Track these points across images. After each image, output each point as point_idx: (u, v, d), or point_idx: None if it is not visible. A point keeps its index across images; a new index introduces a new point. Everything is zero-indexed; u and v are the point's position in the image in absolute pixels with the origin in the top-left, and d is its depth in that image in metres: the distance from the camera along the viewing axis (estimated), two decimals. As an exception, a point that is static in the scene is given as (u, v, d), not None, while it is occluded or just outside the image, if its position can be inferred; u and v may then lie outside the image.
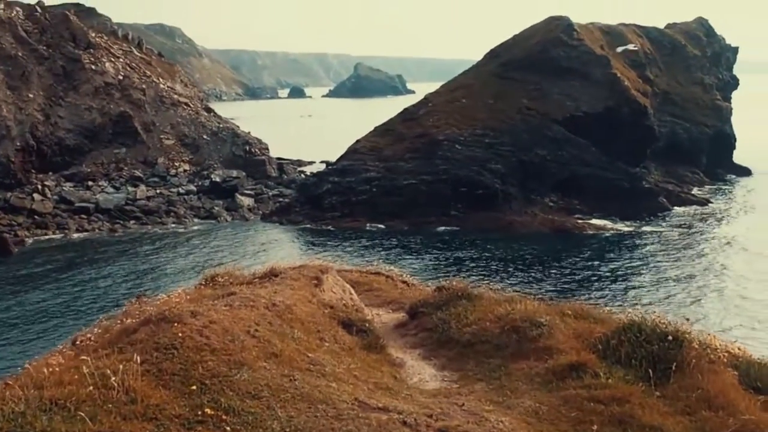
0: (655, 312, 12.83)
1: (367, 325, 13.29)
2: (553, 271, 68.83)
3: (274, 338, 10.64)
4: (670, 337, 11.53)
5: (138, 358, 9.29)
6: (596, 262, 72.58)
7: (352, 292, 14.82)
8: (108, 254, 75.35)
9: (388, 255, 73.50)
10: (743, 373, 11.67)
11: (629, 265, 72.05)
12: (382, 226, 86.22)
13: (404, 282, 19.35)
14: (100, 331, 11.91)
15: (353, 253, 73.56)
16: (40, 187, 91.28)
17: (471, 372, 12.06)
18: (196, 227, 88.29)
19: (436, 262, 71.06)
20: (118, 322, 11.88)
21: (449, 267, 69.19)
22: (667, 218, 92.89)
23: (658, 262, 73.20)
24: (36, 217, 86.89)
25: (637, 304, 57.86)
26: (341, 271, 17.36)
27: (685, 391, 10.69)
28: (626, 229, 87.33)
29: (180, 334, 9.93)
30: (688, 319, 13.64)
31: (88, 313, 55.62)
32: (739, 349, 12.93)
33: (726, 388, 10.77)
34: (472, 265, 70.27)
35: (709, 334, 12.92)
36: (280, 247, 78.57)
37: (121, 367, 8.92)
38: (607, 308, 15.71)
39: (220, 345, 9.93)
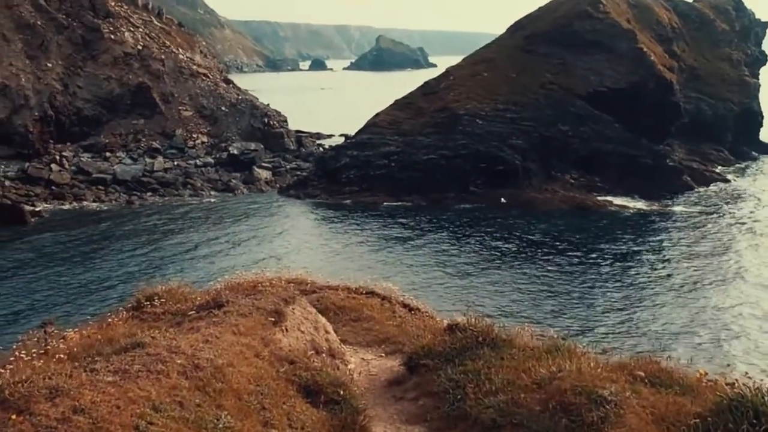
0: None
1: (341, 392, 9.31)
2: (574, 250, 64.96)
3: (181, 434, 6.92)
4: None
5: None
6: (617, 242, 68.68)
7: (329, 328, 11.12)
8: (124, 226, 72.43)
9: (403, 232, 69.97)
10: None
11: (652, 245, 68.16)
12: (399, 202, 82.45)
13: (405, 306, 15.14)
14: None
15: (368, 231, 70.13)
16: (58, 157, 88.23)
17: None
18: (212, 200, 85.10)
19: (453, 241, 67.34)
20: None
21: (466, 246, 65.50)
22: (690, 197, 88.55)
23: (682, 242, 69.13)
24: (53, 187, 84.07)
25: (665, 288, 54.28)
26: (324, 288, 13.76)
27: None
28: (648, 207, 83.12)
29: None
30: None
31: (100, 286, 53.11)
32: None
33: None
34: (491, 244, 66.52)
35: None
36: (295, 222, 75.13)
37: None
38: (689, 363, 10.95)
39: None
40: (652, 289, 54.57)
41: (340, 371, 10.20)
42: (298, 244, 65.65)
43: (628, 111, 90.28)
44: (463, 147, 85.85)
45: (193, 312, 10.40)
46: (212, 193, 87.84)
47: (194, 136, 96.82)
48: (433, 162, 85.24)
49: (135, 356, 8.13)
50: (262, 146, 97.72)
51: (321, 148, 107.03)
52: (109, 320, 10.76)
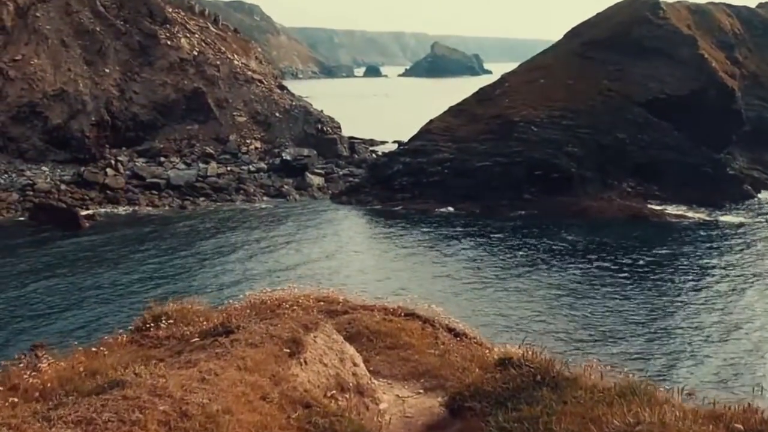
0: None
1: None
2: (631, 261, 62.47)
3: None
4: None
5: None
6: (676, 253, 66.02)
7: (357, 360, 9.44)
8: (176, 231, 71.88)
9: (455, 239, 68.13)
10: None
11: (712, 257, 65.26)
12: (452, 209, 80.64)
13: (450, 330, 13.10)
14: None
15: (419, 239, 68.35)
16: (113, 162, 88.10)
17: None
18: (265, 206, 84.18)
19: (506, 252, 65.26)
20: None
21: (519, 257, 63.34)
22: (752, 206, 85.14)
23: (746, 255, 66.04)
24: (108, 191, 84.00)
25: (733, 307, 51.47)
26: (357, 309, 12.13)
27: None
28: (708, 217, 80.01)
29: None
30: None
31: (151, 291, 52.01)
32: None
33: None
34: (544, 256, 64.26)
35: None
36: (345, 230, 73.73)
37: None
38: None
39: None
40: (719, 308, 51.02)
41: (369, 413, 8.55)
42: (347, 254, 64.18)
43: (688, 118, 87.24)
44: (518, 154, 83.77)
45: (197, 339, 8.92)
46: (264, 198, 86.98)
47: (248, 141, 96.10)
48: (487, 169, 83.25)
49: (108, 400, 6.59)
50: (315, 152, 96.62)
51: (374, 155, 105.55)
52: (104, 345, 9.35)
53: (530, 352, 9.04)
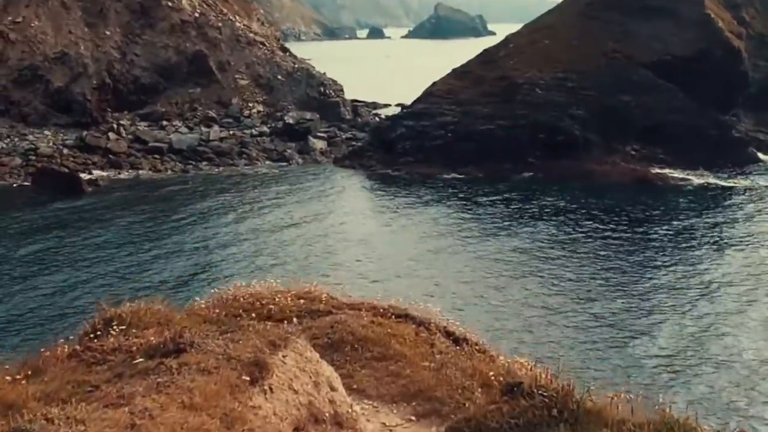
0: None
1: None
2: (635, 225, 60.86)
3: None
4: None
5: None
6: (680, 216, 64.40)
7: (335, 382, 7.86)
8: (179, 195, 70.66)
9: (458, 205, 66.56)
10: None
11: (716, 220, 63.56)
12: (456, 174, 78.90)
13: (449, 335, 11.34)
14: None
15: (422, 205, 66.76)
16: (115, 126, 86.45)
17: None
18: (267, 170, 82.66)
19: (510, 216, 63.62)
20: None
21: (524, 220, 61.72)
22: (756, 170, 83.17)
23: (748, 218, 64.34)
24: (111, 156, 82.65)
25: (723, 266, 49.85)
26: (342, 308, 10.63)
27: None
28: (712, 180, 78.23)
29: None
30: None
31: (155, 257, 51.23)
32: None
33: None
34: (550, 218, 62.67)
35: None
36: (347, 195, 72.18)
37: None
38: None
39: None
40: (734, 287, 47.45)
41: (348, 450, 7.14)
42: (347, 220, 62.43)
43: (694, 80, 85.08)
44: (522, 117, 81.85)
45: (141, 360, 7.48)
46: (267, 162, 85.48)
47: (250, 105, 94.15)
48: (490, 132, 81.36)
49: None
50: (317, 116, 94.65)
51: (377, 118, 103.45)
52: (43, 360, 7.98)
53: (543, 375, 7.42)
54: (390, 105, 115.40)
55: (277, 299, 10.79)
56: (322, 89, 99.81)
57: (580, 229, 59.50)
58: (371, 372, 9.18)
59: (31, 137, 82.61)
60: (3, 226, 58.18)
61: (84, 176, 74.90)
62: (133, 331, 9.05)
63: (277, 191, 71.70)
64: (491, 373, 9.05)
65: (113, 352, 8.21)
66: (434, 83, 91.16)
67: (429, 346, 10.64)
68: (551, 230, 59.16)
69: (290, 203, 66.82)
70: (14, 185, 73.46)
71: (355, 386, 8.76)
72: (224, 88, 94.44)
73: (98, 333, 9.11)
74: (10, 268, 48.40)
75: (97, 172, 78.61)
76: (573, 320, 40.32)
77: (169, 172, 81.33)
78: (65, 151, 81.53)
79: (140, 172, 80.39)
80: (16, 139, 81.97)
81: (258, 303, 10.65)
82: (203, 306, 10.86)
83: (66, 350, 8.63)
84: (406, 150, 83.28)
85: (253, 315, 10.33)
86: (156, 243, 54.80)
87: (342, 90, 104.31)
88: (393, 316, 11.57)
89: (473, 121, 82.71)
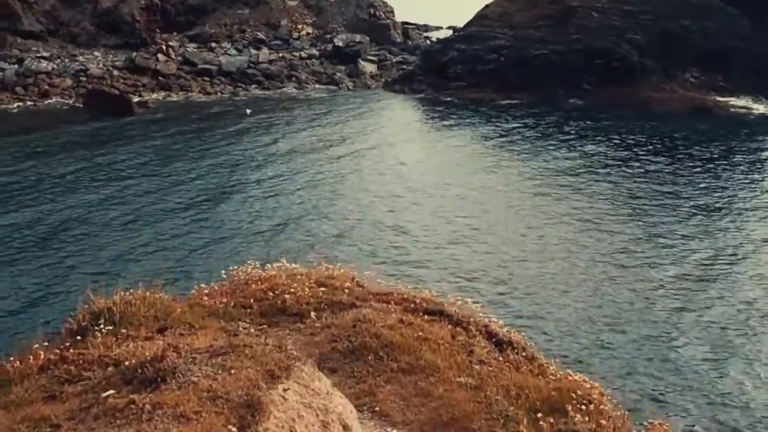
0: None
1: None
2: (693, 156, 57.98)
3: None
4: None
5: None
6: (741, 148, 61.22)
7: (349, 419, 6.16)
8: (228, 118, 69.07)
9: (509, 133, 64.17)
10: None
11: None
12: (508, 99, 76.29)
13: (491, 337, 9.36)
14: None
15: (473, 132, 64.42)
16: (164, 47, 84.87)
17: None
18: (316, 94, 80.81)
19: (560, 142, 61.04)
20: None
21: (578, 151, 59.11)
22: (822, 99, 79.02)
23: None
24: (160, 78, 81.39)
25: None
26: (368, 299, 9.10)
27: None
28: (776, 110, 74.57)
29: None
30: None
31: (205, 177, 49.65)
32: None
33: None
34: (605, 148, 59.95)
35: None
36: (398, 119, 70.13)
37: None
38: None
39: None
40: None
41: None
42: (393, 146, 60.03)
43: (757, 4, 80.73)
44: (577, 42, 78.53)
45: (112, 392, 6.12)
46: (316, 86, 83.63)
47: (299, 27, 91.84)
48: (544, 57, 78.30)
49: None
50: (367, 38, 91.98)
51: (428, 41, 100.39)
52: (13, 368, 6.73)
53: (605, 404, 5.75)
54: (441, 28, 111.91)
55: (293, 287, 9.36)
56: (372, 11, 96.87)
57: (635, 163, 56.53)
58: (397, 389, 7.56)
59: (81, 58, 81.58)
60: (53, 144, 57.44)
61: (134, 99, 74.07)
62: (123, 331, 7.78)
63: (326, 116, 69.90)
64: (539, 398, 7.53)
65: (91, 366, 6.93)
66: (487, 5, 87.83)
67: (467, 354, 8.79)
68: (604, 162, 56.12)
69: (338, 128, 64.92)
70: (65, 106, 72.87)
71: (377, 408, 7.23)
72: (273, 9, 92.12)
73: (85, 329, 7.83)
74: (50, 186, 47.49)
75: (147, 94, 77.79)
76: (642, 295, 31.28)
77: (219, 94, 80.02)
78: (115, 72, 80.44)
79: (190, 94, 79.27)
80: (66, 60, 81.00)
81: (272, 292, 9.25)
82: (209, 293, 9.48)
83: (42, 357, 7.38)
84: (457, 74, 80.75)
85: (266, 306, 8.98)
86: (196, 165, 53.52)
87: (392, 12, 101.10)
88: (425, 314, 9.71)
89: (526, 45, 79.65)
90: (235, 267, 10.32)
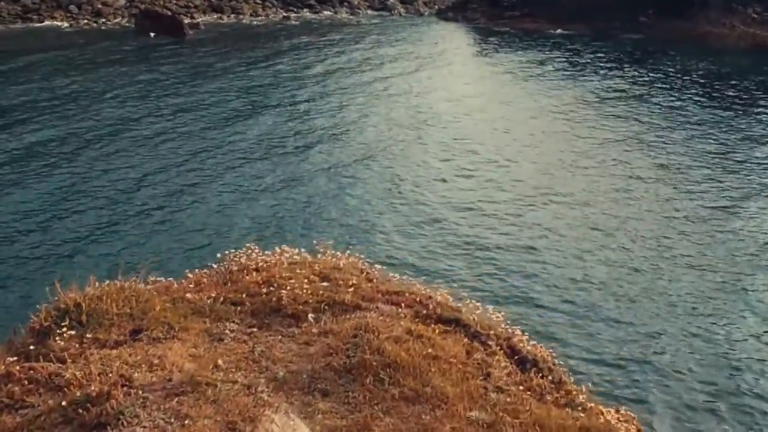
0: None
1: None
2: (754, 95, 54.93)
3: None
4: None
5: None
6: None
7: None
8: (281, 42, 67.66)
9: (561, 64, 61.68)
10: None
11: None
12: (562, 30, 73.47)
13: (513, 353, 8.07)
14: None
15: (526, 64, 61.94)
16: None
17: None
18: (368, 20, 78.70)
19: (613, 79, 58.29)
20: None
21: (632, 87, 56.34)
22: None
23: None
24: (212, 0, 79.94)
25: None
26: (376, 300, 7.84)
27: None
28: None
29: None
30: None
31: (258, 104, 47.74)
32: None
33: None
34: (659, 84, 57.11)
35: None
36: (451, 47, 67.82)
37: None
38: None
39: None
40: None
41: None
42: (442, 75, 57.84)
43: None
44: (635, -28, 75.00)
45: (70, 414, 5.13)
46: (368, 12, 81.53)
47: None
48: (601, -12, 75.01)
49: None
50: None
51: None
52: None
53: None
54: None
55: (292, 280, 8.19)
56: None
57: (693, 101, 53.64)
58: (397, 423, 6.22)
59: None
60: (105, 67, 56.59)
61: (186, 20, 72.94)
62: (88, 336, 6.79)
63: (377, 43, 67.95)
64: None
65: (38, 389, 5.97)
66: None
67: (483, 378, 7.45)
68: (659, 103, 53.05)
69: (389, 57, 62.96)
70: (118, 26, 72.04)
71: (373, 443, 6.26)
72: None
73: (48, 329, 6.86)
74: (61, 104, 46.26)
75: (199, 16, 76.66)
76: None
77: (270, 17, 78.52)
78: (167, -8, 79.27)
79: (241, 16, 77.89)
80: (119, -20, 79.80)
81: (267, 286, 8.09)
82: (197, 282, 8.32)
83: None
84: (512, 3, 77.95)
85: (259, 303, 7.82)
86: (260, 87, 52.12)
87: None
88: (439, 322, 8.31)
89: (584, -26, 76.33)
90: (231, 251, 9.12)
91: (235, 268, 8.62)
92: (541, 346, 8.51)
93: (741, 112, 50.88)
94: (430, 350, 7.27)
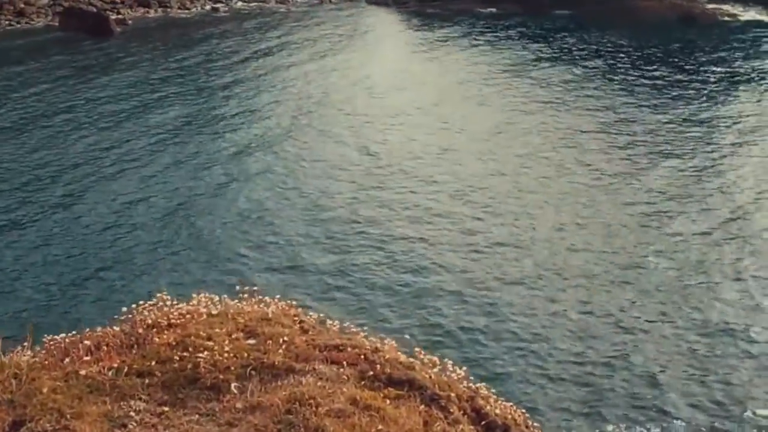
0: None
1: None
2: (682, 69, 55.00)
3: None
4: None
5: None
6: (735, 58, 58.12)
7: None
8: (209, 36, 65.50)
9: (493, 44, 60.93)
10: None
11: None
12: (493, 10, 72.65)
13: (480, 419, 6.84)
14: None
15: (457, 44, 61.01)
16: (142, -40, 79.96)
17: None
18: (298, 9, 76.70)
19: (545, 54, 57.80)
20: None
21: (561, 59, 56.03)
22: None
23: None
24: (139, -7, 76.90)
25: None
26: (313, 360, 6.35)
27: None
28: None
29: None
30: None
31: (186, 97, 47.28)
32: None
33: None
34: (590, 60, 56.83)
35: None
36: (380, 34, 66.51)
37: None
38: None
39: None
40: None
41: None
42: (373, 63, 56.66)
43: None
44: (563, -53, 74.23)
45: None
46: (299, 0, 79.44)
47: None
48: (530, -36, 74.17)
49: None
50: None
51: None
52: None
53: None
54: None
55: (211, 341, 6.80)
56: None
57: (620, 70, 53.67)
58: None
59: (56, -26, 76.98)
60: (28, 68, 54.08)
61: (112, 16, 70.16)
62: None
63: (308, 32, 66.26)
64: None
65: None
66: None
67: None
68: (590, 78, 52.96)
69: (320, 45, 61.47)
70: (41, 25, 68.99)
71: None
72: None
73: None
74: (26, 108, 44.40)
75: (125, 11, 73.76)
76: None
77: (199, 9, 76.06)
78: (91, -12, 76.09)
79: (169, 10, 75.21)
80: (41, -23, 76.44)
81: (181, 350, 6.69)
82: (97, 347, 6.79)
83: None
84: (442, -15, 76.67)
85: (171, 373, 6.43)
86: (187, 84, 50.38)
87: None
88: (389, 384, 6.90)
89: (512, -48, 75.38)
90: (141, 303, 7.68)
91: (143, 328, 7.17)
92: (511, 406, 7.32)
93: (668, 82, 51.04)
94: (380, 427, 5.94)
